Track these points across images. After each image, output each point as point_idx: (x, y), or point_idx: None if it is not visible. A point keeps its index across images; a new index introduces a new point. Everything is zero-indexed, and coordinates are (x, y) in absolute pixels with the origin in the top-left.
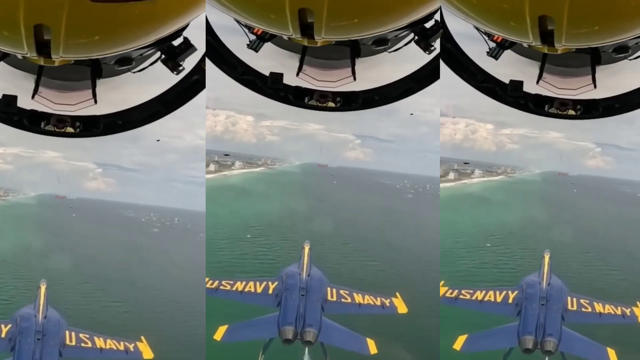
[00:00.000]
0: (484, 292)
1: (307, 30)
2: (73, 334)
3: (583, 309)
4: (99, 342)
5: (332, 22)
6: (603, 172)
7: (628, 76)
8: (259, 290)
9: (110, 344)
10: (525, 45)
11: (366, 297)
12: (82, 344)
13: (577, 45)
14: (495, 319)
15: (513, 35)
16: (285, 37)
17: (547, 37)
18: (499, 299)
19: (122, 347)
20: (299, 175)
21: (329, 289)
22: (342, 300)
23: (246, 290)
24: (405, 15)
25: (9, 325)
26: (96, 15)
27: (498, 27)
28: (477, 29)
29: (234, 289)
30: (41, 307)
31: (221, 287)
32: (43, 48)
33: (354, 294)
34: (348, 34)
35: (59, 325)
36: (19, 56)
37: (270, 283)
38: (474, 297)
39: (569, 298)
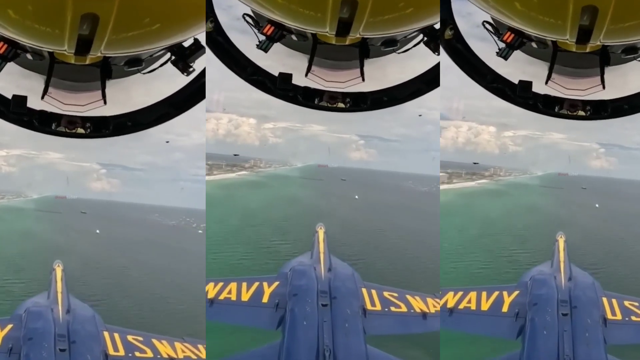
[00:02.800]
0: (460, 294)
1: (342, 28)
2: (117, 336)
3: (633, 318)
4: (165, 349)
5: (375, 17)
6: (608, 173)
7: (637, 77)
8: (245, 297)
9: (183, 350)
10: (534, 45)
11: (430, 301)
12: (138, 354)
13: (613, 42)
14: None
15: (544, 31)
16: (294, 37)
17: (582, 33)
18: (484, 307)
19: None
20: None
21: (364, 290)
22: (392, 309)
23: (221, 298)
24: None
25: (9, 326)
26: (147, 6)
27: (528, 19)
28: (487, 29)
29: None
30: (60, 297)
31: None
32: (83, 46)
33: (408, 297)
34: (387, 29)
35: (94, 323)
36: (29, 56)
37: (265, 285)
38: (440, 304)
39: (604, 300)
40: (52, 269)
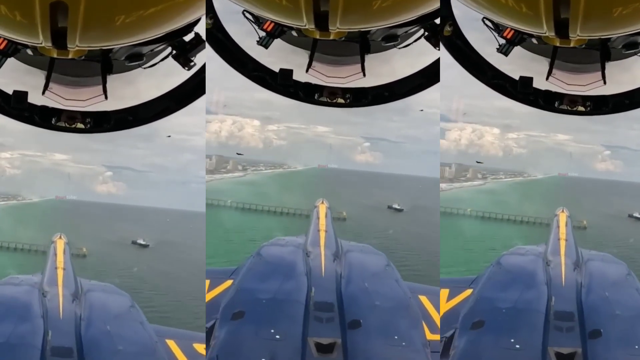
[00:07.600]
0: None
1: (321, 21)
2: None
3: None
4: None
5: (349, 10)
6: (613, 175)
7: (638, 72)
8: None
9: None
10: (534, 41)
11: None
12: None
13: (592, 35)
14: None
15: (525, 25)
16: (294, 33)
17: (561, 27)
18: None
19: None
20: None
21: (424, 300)
22: None
23: None
24: (422, 4)
25: None
26: None
27: (510, 16)
28: (487, 25)
29: None
30: (60, 274)
31: None
32: (58, 38)
33: None
34: (364, 23)
35: (137, 321)
36: (30, 52)
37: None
38: None
39: None
40: (50, 242)
